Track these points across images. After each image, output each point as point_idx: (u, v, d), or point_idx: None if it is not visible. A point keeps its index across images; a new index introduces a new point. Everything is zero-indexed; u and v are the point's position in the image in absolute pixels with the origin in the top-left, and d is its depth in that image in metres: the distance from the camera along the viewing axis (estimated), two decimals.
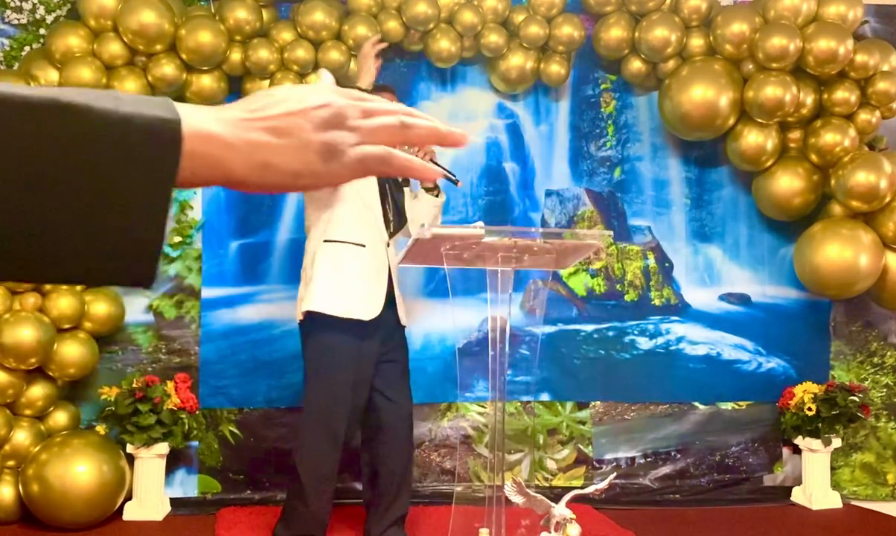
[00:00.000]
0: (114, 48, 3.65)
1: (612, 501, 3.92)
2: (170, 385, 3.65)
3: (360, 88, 3.03)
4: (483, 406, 4.09)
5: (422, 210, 3.39)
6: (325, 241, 3.10)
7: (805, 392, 4.01)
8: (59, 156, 0.54)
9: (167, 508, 3.75)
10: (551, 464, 4.16)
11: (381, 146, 0.68)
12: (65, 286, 3.60)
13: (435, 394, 4.06)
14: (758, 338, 4.26)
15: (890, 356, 4.32)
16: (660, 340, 4.24)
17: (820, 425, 3.96)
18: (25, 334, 3.40)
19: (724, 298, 4.27)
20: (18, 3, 3.84)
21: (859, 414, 4.00)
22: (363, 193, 3.17)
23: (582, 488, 2.73)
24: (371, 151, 0.67)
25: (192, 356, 3.95)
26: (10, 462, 3.52)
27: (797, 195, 4.00)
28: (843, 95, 3.88)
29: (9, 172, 0.53)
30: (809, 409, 3.94)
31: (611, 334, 4.22)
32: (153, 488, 3.66)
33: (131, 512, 3.63)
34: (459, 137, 0.73)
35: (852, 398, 3.96)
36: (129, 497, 3.65)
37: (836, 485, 4.14)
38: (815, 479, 4.03)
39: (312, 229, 3.16)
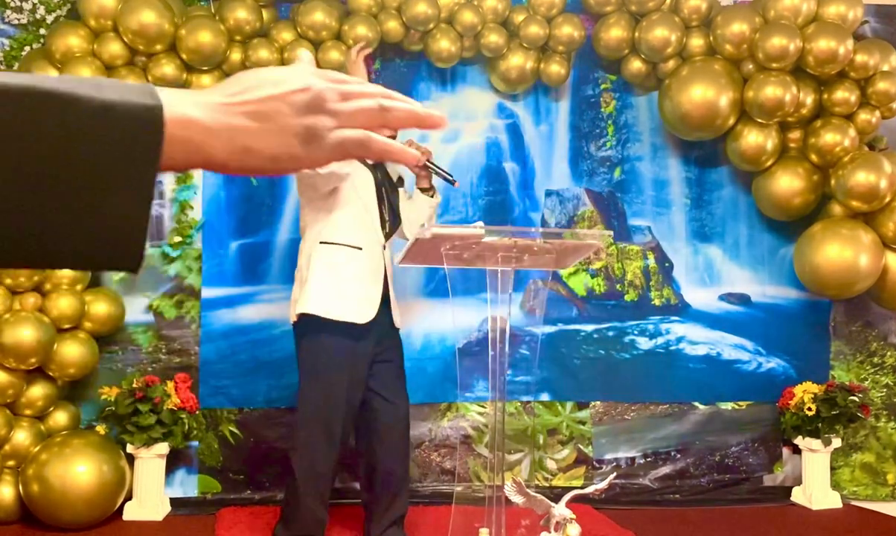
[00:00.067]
0: (114, 48, 3.65)
1: (612, 501, 3.93)
2: (170, 385, 3.65)
3: None
4: (483, 406, 4.09)
5: (416, 211, 3.39)
6: (322, 242, 3.10)
7: (805, 392, 4.01)
8: (41, 144, 0.55)
9: (167, 508, 3.75)
10: (551, 464, 4.16)
11: (361, 130, 0.69)
12: (65, 286, 3.61)
13: (435, 394, 4.06)
14: (758, 338, 4.27)
15: (890, 356, 4.33)
16: (660, 340, 4.24)
17: (820, 425, 3.96)
18: (25, 334, 3.40)
19: (724, 298, 4.27)
20: (18, 3, 3.85)
21: (859, 414, 4.00)
22: (361, 194, 3.16)
23: (582, 488, 2.73)
24: (350, 135, 0.68)
25: (192, 356, 3.95)
26: (11, 462, 3.53)
27: (797, 195, 4.00)
28: (843, 95, 3.88)
29: None
30: (809, 409, 3.95)
31: (611, 334, 4.22)
32: (153, 488, 3.66)
33: (131, 512, 3.63)
34: (438, 119, 0.74)
35: (852, 398, 3.96)
36: (129, 497, 3.65)
37: (836, 485, 4.15)
38: (815, 479, 4.03)
39: (308, 229, 3.16)
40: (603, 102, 4.24)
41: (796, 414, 4.01)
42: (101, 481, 3.44)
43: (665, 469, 4.21)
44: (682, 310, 4.26)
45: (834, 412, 3.93)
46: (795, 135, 4.04)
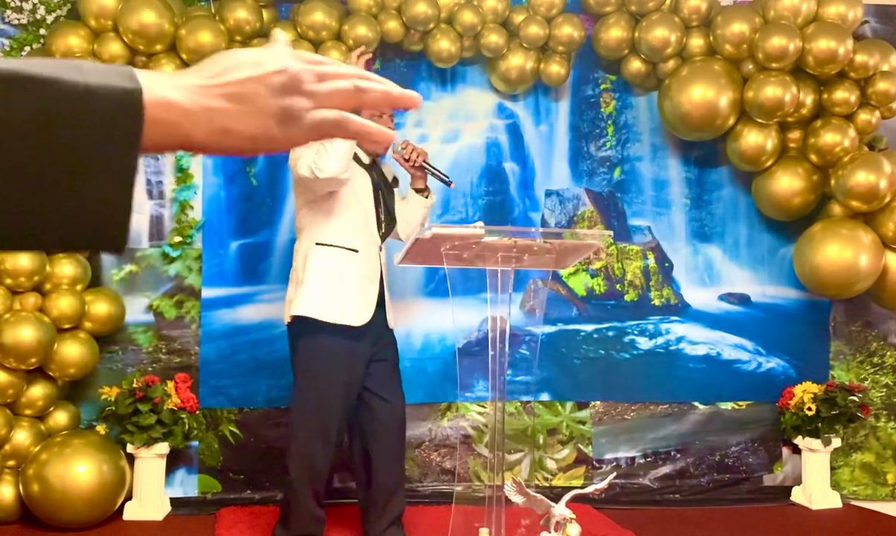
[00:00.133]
0: (114, 48, 3.65)
1: (612, 501, 3.93)
2: (170, 385, 3.65)
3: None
4: (483, 406, 4.09)
5: (411, 212, 3.40)
6: (318, 244, 3.10)
7: (805, 392, 4.01)
8: (22, 127, 0.56)
9: (167, 508, 3.75)
10: (551, 464, 4.17)
11: (337, 111, 0.70)
12: (65, 286, 3.61)
13: (435, 394, 4.06)
14: (757, 338, 4.27)
15: (890, 355, 4.33)
16: (660, 340, 4.24)
17: (820, 425, 3.96)
18: (26, 334, 3.40)
19: (723, 298, 4.28)
20: (18, 3, 3.85)
21: (859, 414, 4.00)
22: (359, 196, 3.17)
23: (582, 488, 2.73)
24: (326, 116, 0.69)
25: (193, 356, 3.95)
26: (11, 462, 3.53)
27: (797, 195, 4.00)
28: (843, 95, 3.88)
29: None
30: (809, 409, 3.95)
31: (611, 334, 4.22)
32: (153, 488, 3.66)
33: (131, 512, 3.63)
34: (413, 99, 0.75)
35: (852, 397, 3.96)
36: (129, 497, 3.65)
37: (835, 485, 4.15)
38: (814, 479, 4.03)
39: (305, 230, 3.16)
40: (603, 102, 4.24)
41: (796, 414, 4.01)
42: (101, 481, 3.44)
43: (665, 469, 4.21)
44: (681, 310, 4.26)
45: (834, 412, 3.93)
46: (795, 135, 4.04)
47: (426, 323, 4.06)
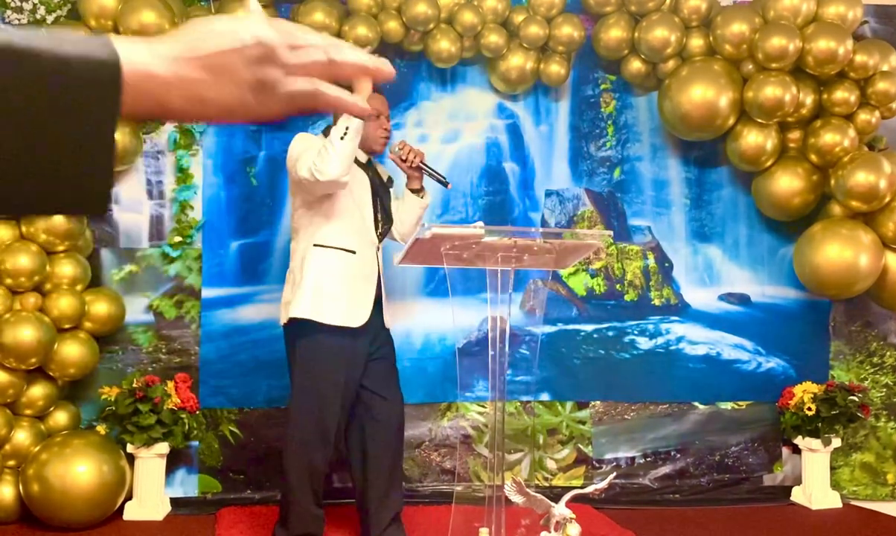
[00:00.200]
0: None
1: (612, 501, 3.93)
2: (170, 385, 3.65)
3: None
4: (483, 406, 4.09)
5: (407, 212, 3.40)
6: (316, 245, 3.10)
7: (805, 392, 4.01)
8: (2, 97, 0.58)
9: (167, 508, 3.75)
10: (551, 464, 4.17)
11: (311, 82, 0.71)
12: (65, 286, 3.61)
13: (435, 394, 4.06)
14: (757, 338, 4.27)
15: (889, 355, 4.33)
16: (659, 340, 4.24)
17: (819, 425, 3.96)
18: (26, 334, 3.40)
19: (723, 298, 4.28)
20: (19, 3, 3.85)
21: (859, 414, 4.00)
22: (357, 197, 3.17)
23: (582, 488, 2.73)
24: (301, 87, 0.71)
25: (193, 356, 3.95)
26: (11, 462, 3.53)
27: (797, 195, 4.00)
28: (843, 95, 3.88)
29: None
30: (809, 409, 3.95)
31: (611, 334, 4.22)
32: (153, 488, 3.66)
33: (131, 512, 3.63)
34: (386, 71, 0.76)
35: (852, 397, 3.97)
36: (129, 497, 3.65)
37: (835, 485, 4.15)
38: (814, 479, 4.03)
39: (302, 231, 3.16)
40: (603, 102, 4.24)
41: (796, 414, 4.01)
42: (101, 481, 3.44)
43: (665, 469, 4.21)
44: (681, 310, 4.26)
45: (834, 412, 3.94)
46: (795, 135, 4.04)
47: (426, 323, 4.06)
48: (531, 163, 4.20)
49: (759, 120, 3.89)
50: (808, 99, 3.93)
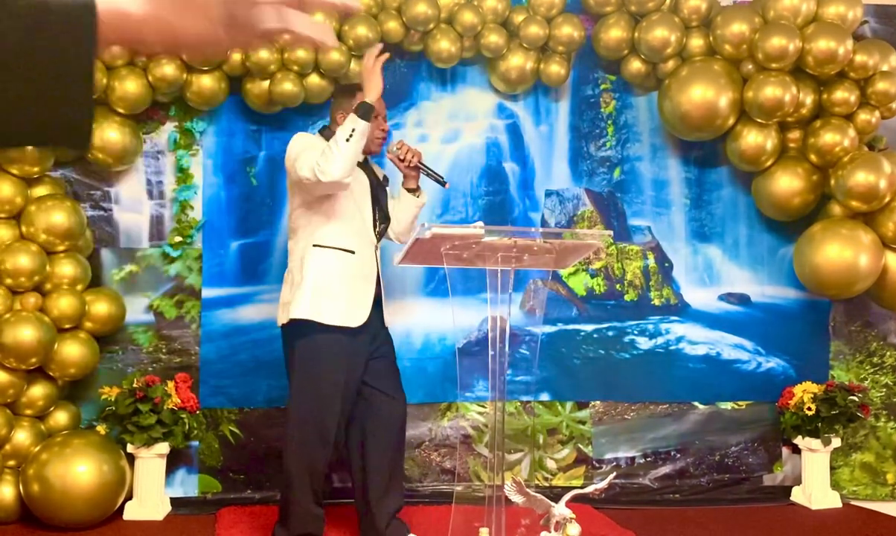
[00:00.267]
0: (114, 48, 3.64)
1: (612, 501, 3.93)
2: (170, 385, 3.65)
3: (368, 104, 3.01)
4: (483, 406, 4.09)
5: (403, 211, 3.40)
6: (315, 245, 3.10)
7: (805, 392, 4.01)
8: None
9: (167, 508, 3.75)
10: (551, 464, 4.17)
11: (281, 17, 0.75)
12: (65, 286, 3.61)
13: (435, 394, 4.06)
14: (757, 338, 4.27)
15: (889, 355, 4.33)
16: (659, 340, 4.24)
17: (819, 424, 3.96)
18: (26, 334, 3.40)
19: (723, 298, 4.28)
20: None
21: (859, 414, 4.00)
22: (356, 197, 3.17)
23: (582, 487, 2.73)
24: (271, 23, 0.75)
25: (193, 355, 3.96)
26: (11, 462, 3.53)
27: (797, 195, 4.00)
28: (843, 95, 3.88)
29: None
30: (809, 409, 3.95)
31: (610, 334, 4.22)
32: (153, 487, 3.67)
33: (132, 512, 3.63)
34: (352, 4, 0.81)
35: (852, 397, 3.97)
36: (129, 497, 3.65)
37: (835, 485, 4.15)
38: (814, 479, 4.03)
39: (301, 231, 3.16)
40: (603, 102, 4.24)
41: (796, 414, 4.01)
42: (101, 481, 3.44)
43: (665, 469, 4.21)
44: (681, 310, 4.26)
45: (833, 412, 3.94)
46: (795, 135, 4.04)
47: (426, 323, 4.06)
48: (531, 163, 4.20)
49: (759, 120, 3.89)
50: (808, 99, 3.93)
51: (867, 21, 4.22)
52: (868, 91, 3.89)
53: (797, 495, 4.10)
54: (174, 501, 3.82)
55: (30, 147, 3.30)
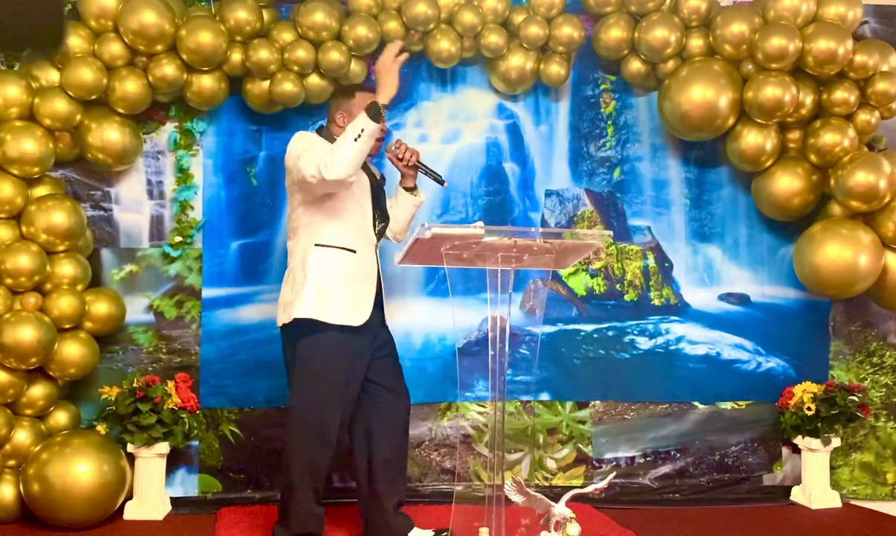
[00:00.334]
0: (114, 48, 3.65)
1: (612, 500, 3.93)
2: (170, 385, 3.66)
3: (380, 104, 2.99)
4: (483, 406, 4.09)
5: (401, 210, 3.41)
6: (317, 245, 3.10)
7: (804, 392, 4.01)
8: None
9: (168, 507, 3.76)
10: (551, 464, 4.17)
11: None
12: (65, 286, 3.61)
13: (435, 394, 4.07)
14: (757, 338, 4.27)
15: (889, 355, 4.33)
16: (659, 340, 4.25)
17: (819, 424, 3.96)
18: (26, 334, 3.40)
19: (723, 298, 4.28)
20: None
21: (859, 414, 4.01)
22: (357, 196, 3.18)
23: (582, 487, 2.74)
24: None
25: (193, 355, 3.96)
26: (11, 462, 3.53)
27: (796, 195, 4.00)
28: (843, 95, 3.88)
29: None
30: (809, 409, 3.95)
31: (610, 334, 4.23)
32: (154, 487, 3.67)
33: (132, 512, 3.63)
34: None
35: (852, 397, 3.97)
36: (129, 497, 3.65)
37: (835, 485, 4.15)
38: (814, 479, 4.03)
39: (302, 230, 3.16)
40: (603, 102, 4.24)
41: (796, 414, 4.01)
42: (101, 480, 3.45)
43: (665, 469, 4.22)
44: (681, 310, 4.26)
45: (833, 412, 3.94)
46: (795, 135, 4.05)
47: (426, 323, 4.07)
48: (531, 163, 4.20)
49: (759, 120, 3.89)
50: (808, 99, 3.93)
51: (867, 21, 4.22)
52: (868, 91, 3.90)
53: (797, 495, 4.10)
54: (174, 501, 3.82)
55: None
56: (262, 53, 3.73)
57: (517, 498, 2.63)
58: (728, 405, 4.26)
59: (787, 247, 4.22)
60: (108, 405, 3.65)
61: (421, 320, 4.06)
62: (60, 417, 3.71)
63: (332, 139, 3.12)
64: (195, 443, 3.91)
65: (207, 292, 3.97)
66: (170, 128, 3.96)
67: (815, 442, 3.99)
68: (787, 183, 3.99)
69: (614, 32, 4.01)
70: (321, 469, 3.08)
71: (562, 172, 4.21)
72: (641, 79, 4.14)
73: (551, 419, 4.18)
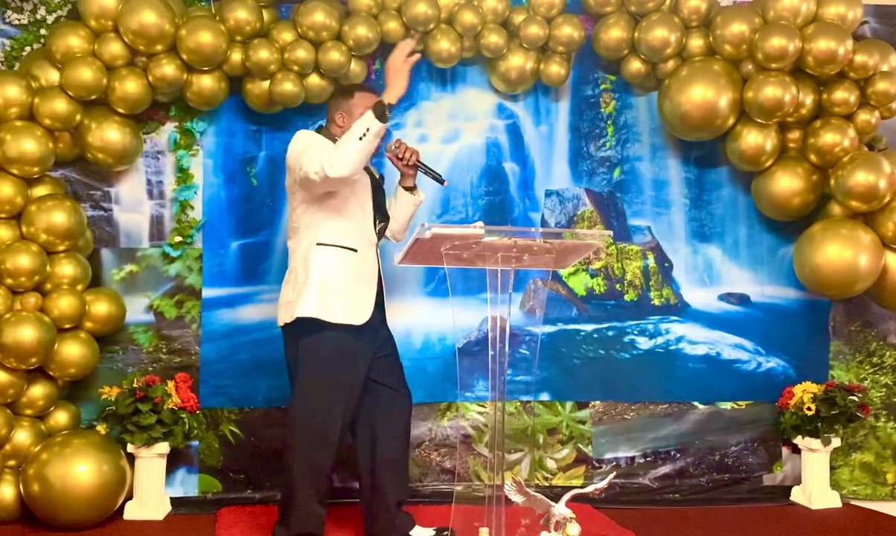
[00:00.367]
0: (114, 48, 3.65)
1: (612, 500, 3.93)
2: (170, 385, 3.66)
3: (386, 103, 2.98)
4: (483, 406, 4.09)
5: (401, 210, 3.41)
6: (319, 244, 3.10)
7: (804, 392, 4.01)
8: None
9: (168, 507, 3.76)
10: (551, 464, 4.17)
11: None
12: (66, 286, 3.61)
13: (435, 394, 4.07)
14: (757, 338, 4.27)
15: (889, 355, 4.33)
16: (659, 340, 4.25)
17: (819, 424, 3.96)
18: (26, 334, 3.41)
19: (723, 298, 4.28)
20: (19, 4, 3.85)
21: (858, 414, 4.01)
22: (358, 195, 3.18)
23: (581, 487, 2.74)
24: None
25: (193, 355, 3.96)
26: (11, 462, 3.53)
27: (796, 195, 4.00)
28: (843, 95, 3.88)
29: None
30: (809, 409, 3.95)
31: (610, 334, 4.23)
32: (154, 487, 3.67)
33: (132, 512, 3.63)
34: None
35: (851, 397, 3.97)
36: (129, 497, 3.65)
37: (835, 485, 4.15)
38: (814, 479, 4.03)
39: (303, 230, 3.16)
40: (603, 102, 4.24)
41: (796, 414, 4.01)
42: (101, 480, 3.45)
43: (665, 469, 4.22)
44: (681, 310, 4.26)
45: (833, 412, 3.94)
46: (795, 135, 4.05)
47: (426, 323, 4.07)
48: (531, 163, 4.20)
49: (759, 120, 3.90)
50: (808, 99, 3.93)
51: (867, 21, 4.22)
52: (868, 91, 3.90)
53: (797, 495, 4.10)
54: (174, 501, 3.82)
55: None
56: (262, 53, 3.73)
57: (517, 498, 2.63)
58: (728, 405, 4.26)
59: (787, 247, 4.22)
60: (108, 405, 3.65)
61: (421, 320, 4.06)
62: (60, 417, 3.71)
63: (332, 139, 3.12)
64: (195, 443, 3.91)
65: (207, 292, 3.97)
66: (170, 128, 3.96)
67: (815, 442, 3.99)
68: (787, 183, 3.99)
69: (614, 32, 4.01)
70: (322, 468, 3.07)
71: (562, 172, 4.21)
72: (641, 79, 4.14)
73: (551, 420, 4.18)
